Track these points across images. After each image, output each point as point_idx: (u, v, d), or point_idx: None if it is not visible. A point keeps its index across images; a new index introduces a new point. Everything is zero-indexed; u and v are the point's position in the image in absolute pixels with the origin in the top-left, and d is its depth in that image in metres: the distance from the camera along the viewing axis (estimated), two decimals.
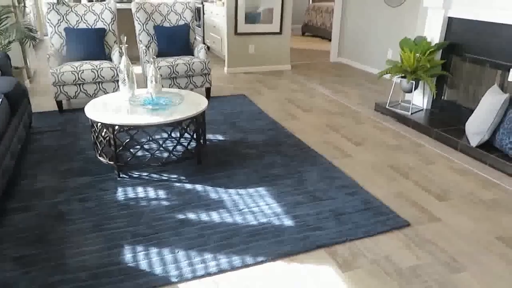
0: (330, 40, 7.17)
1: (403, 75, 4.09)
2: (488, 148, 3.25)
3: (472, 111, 3.63)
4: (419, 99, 4.33)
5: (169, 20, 4.77)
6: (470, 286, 1.91)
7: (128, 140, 2.87)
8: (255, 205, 2.52)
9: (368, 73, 6.16)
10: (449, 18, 3.94)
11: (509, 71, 3.40)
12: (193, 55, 4.74)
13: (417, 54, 3.95)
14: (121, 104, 3.00)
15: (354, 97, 4.94)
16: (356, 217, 2.41)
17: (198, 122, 2.95)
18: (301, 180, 2.85)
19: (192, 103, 3.03)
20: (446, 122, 3.87)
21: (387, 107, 4.28)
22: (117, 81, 4.16)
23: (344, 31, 6.81)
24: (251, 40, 5.93)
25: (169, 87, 4.42)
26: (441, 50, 4.04)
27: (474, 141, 3.30)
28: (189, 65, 4.42)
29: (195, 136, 2.99)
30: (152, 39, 4.68)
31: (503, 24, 3.41)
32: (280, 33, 6.03)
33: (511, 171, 3.01)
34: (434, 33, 4.06)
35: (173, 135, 3.53)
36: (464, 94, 3.97)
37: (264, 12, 5.84)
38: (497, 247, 2.20)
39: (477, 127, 3.26)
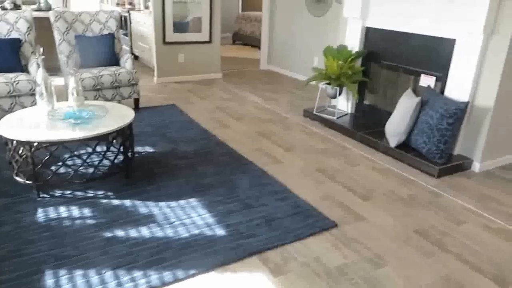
0: (260, 48, 7.32)
1: (328, 82, 4.28)
2: (406, 148, 3.50)
3: (390, 114, 3.88)
4: (344, 104, 4.55)
5: (92, 30, 4.58)
6: (391, 279, 2.04)
7: (47, 157, 2.70)
8: (186, 217, 2.49)
9: (297, 80, 6.37)
10: (367, 28, 4.20)
11: (420, 76, 3.70)
12: (119, 65, 4.60)
13: (340, 62, 4.16)
14: (39, 119, 2.82)
15: (284, 104, 5.08)
16: (287, 222, 2.47)
17: (125, 135, 2.86)
18: (233, 188, 2.87)
19: (118, 116, 2.93)
20: (368, 125, 4.11)
21: (314, 112, 4.45)
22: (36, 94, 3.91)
23: (273, 39, 6.99)
24: (180, 49, 5.88)
25: (94, 99, 4.23)
26: (361, 58, 4.29)
27: (393, 142, 3.54)
28: (115, 75, 4.27)
29: (122, 150, 2.90)
30: (74, 49, 4.46)
31: (412, 33, 3.71)
32: (210, 42, 6.04)
33: (426, 168, 3.26)
34: (354, 42, 4.31)
35: (99, 149, 3.38)
36: (383, 98, 4.24)
37: (193, 21, 5.83)
38: (415, 240, 2.37)
39: (394, 129, 3.50)
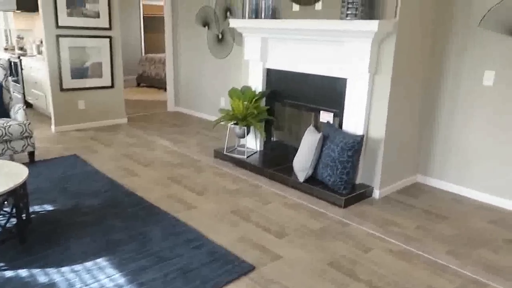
0: (166, 90, 7.27)
1: (235, 122, 4.37)
2: (314, 182, 3.67)
3: (297, 149, 4.06)
4: (253, 143, 4.67)
5: None
6: None
7: None
8: (93, 280, 2.28)
9: (205, 120, 6.41)
10: (268, 69, 4.42)
11: (320, 112, 3.96)
12: (9, 117, 4.21)
13: (245, 103, 4.29)
14: None
15: (193, 146, 5.05)
16: (204, 271, 2.40)
17: (17, 196, 2.58)
18: (145, 242, 2.72)
19: (8, 175, 2.65)
20: (277, 161, 4.25)
21: (225, 153, 4.48)
22: None
23: (178, 81, 7.00)
24: (80, 96, 5.59)
25: None
26: (264, 98, 4.48)
27: (301, 176, 3.69)
28: (5, 129, 3.89)
29: (14, 212, 2.60)
30: None
31: (309, 73, 3.99)
32: (112, 86, 5.84)
33: (333, 200, 3.44)
34: (257, 83, 4.49)
35: None
36: (289, 134, 4.44)
37: (92, 66, 5.60)
38: (329, 273, 2.45)
39: (301, 164, 3.67)
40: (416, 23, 3.45)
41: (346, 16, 3.33)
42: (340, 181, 3.43)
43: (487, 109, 3.49)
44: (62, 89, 5.40)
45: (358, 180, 3.72)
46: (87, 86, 5.60)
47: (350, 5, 3.29)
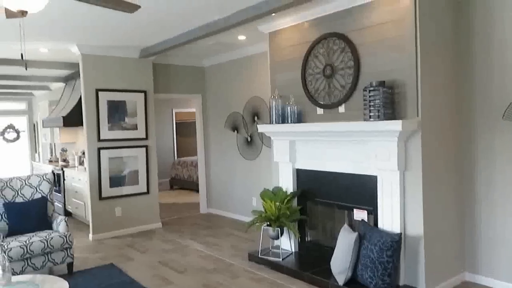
0: (198, 191, 7.45)
1: (268, 223, 4.37)
2: (355, 284, 3.51)
3: (333, 248, 3.96)
4: (287, 244, 4.59)
5: (23, 195, 4.44)
6: None
7: None
8: None
9: (238, 221, 6.41)
10: (297, 169, 4.52)
11: (352, 211, 3.93)
12: (51, 228, 4.38)
13: (277, 203, 4.33)
14: None
15: (227, 248, 5.01)
16: None
17: None
18: None
19: None
20: (313, 263, 4.13)
21: (259, 255, 4.41)
22: None
23: (210, 182, 7.19)
24: (117, 203, 5.80)
25: (22, 270, 3.88)
26: (296, 197, 4.51)
27: (340, 279, 3.55)
28: (47, 241, 4.02)
29: None
30: (2, 217, 4.22)
31: (337, 172, 4.05)
32: (147, 192, 6.06)
33: None
34: (287, 183, 4.57)
35: None
36: (323, 234, 4.37)
37: (129, 174, 5.90)
38: None
39: (339, 266, 3.55)
40: (439, 119, 3.55)
41: (370, 117, 3.48)
42: (382, 283, 3.27)
43: None
44: (101, 198, 5.64)
45: (402, 281, 3.53)
46: (124, 193, 5.84)
47: (372, 108, 3.46)
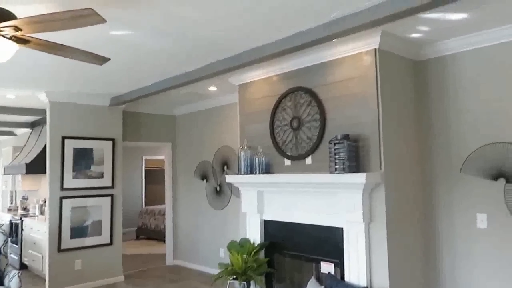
0: (165, 241, 7.21)
1: (234, 277, 4.25)
2: None
3: None
4: None
5: None
6: None
7: None
8: None
9: (205, 274, 6.20)
10: (265, 220, 4.49)
11: (319, 263, 3.89)
12: (3, 284, 4.09)
13: (244, 256, 4.24)
14: None
15: None
16: None
17: None
18: None
19: None
20: None
21: None
22: None
23: (178, 232, 7.00)
24: (77, 255, 5.52)
25: None
26: (264, 249, 4.44)
27: None
28: None
29: None
30: None
31: (304, 224, 4.04)
32: (110, 244, 5.82)
33: None
34: (255, 235, 4.51)
35: None
36: (291, 286, 4.27)
37: (92, 225, 5.67)
38: None
39: None
40: (401, 171, 3.66)
41: (335, 170, 3.55)
42: None
43: (486, 250, 3.46)
44: (60, 250, 5.36)
45: None
46: (85, 245, 5.59)
47: (337, 160, 3.54)
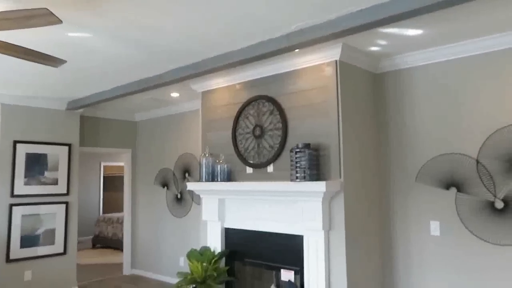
0: (123, 250, 6.99)
1: (194, 286, 4.18)
2: None
3: None
4: None
5: None
6: None
7: None
8: None
9: (164, 283, 6.07)
10: (226, 228, 4.45)
11: (280, 271, 3.90)
12: None
13: (204, 264, 4.18)
14: None
15: None
16: None
17: None
18: None
19: None
20: None
21: None
22: None
23: (136, 241, 6.81)
24: (27, 266, 5.24)
25: None
26: (224, 258, 4.40)
27: None
28: None
29: None
30: None
31: (265, 231, 4.05)
32: (64, 253, 5.57)
33: None
34: (216, 243, 4.46)
35: None
36: None
37: (45, 233, 5.41)
38: None
39: None
40: (360, 180, 3.75)
41: (296, 178, 3.59)
42: None
43: (438, 257, 3.60)
44: (8, 260, 5.07)
45: None
46: (37, 254, 5.32)
47: (298, 168, 3.58)
